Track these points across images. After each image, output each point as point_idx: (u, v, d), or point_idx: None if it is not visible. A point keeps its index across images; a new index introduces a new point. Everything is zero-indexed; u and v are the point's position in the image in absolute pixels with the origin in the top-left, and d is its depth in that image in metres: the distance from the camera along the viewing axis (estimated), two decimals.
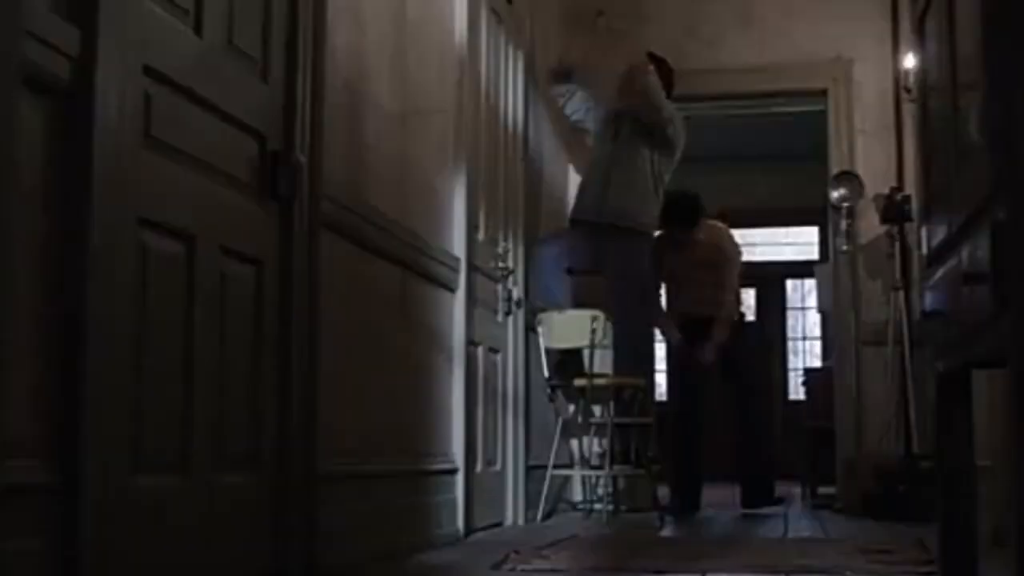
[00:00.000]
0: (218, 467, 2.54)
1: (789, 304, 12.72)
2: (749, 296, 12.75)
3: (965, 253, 2.04)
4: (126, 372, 2.18)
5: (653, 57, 6.18)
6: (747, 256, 12.43)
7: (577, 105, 6.47)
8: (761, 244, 12.74)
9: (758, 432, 6.28)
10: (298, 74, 3.00)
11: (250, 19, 2.79)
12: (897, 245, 6.33)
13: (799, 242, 12.54)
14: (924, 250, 2.53)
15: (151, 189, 2.30)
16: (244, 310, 2.72)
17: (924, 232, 2.55)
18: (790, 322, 12.60)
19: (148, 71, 2.29)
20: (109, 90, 2.10)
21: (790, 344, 12.61)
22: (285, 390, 2.87)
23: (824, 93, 6.86)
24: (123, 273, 2.17)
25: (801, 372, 10.68)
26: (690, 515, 5.97)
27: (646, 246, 5.97)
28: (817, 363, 11.59)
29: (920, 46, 2.72)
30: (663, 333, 6.31)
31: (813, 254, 11.91)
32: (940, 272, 2.35)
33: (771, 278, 12.49)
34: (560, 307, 5.71)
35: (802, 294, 12.68)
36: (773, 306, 12.53)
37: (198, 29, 2.54)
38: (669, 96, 6.13)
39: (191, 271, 2.46)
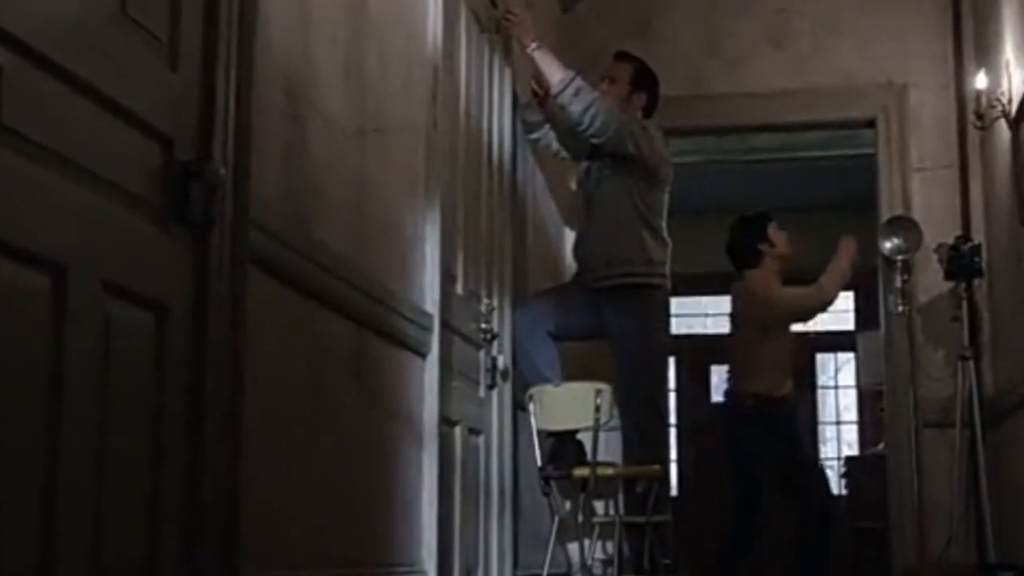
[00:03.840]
0: None
1: (820, 382, 12.53)
2: None
3: None
4: None
5: (626, 57, 5.69)
6: None
7: (549, 140, 5.97)
8: None
9: (821, 522, 5.94)
10: (219, 62, 2.66)
11: None
12: (965, 305, 6.20)
13: (830, 309, 12.41)
14: None
15: (1, 197, 1.94)
16: (138, 369, 2.36)
17: None
18: (819, 404, 12.40)
19: (1, 36, 1.94)
20: None
21: (820, 429, 12.41)
22: (196, 477, 2.52)
23: (872, 124, 6.77)
24: None
25: (837, 461, 10.63)
26: None
27: (650, 301, 5.50)
28: (852, 451, 11.57)
29: None
30: None
31: (848, 323, 11.76)
32: None
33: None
34: (549, 381, 5.39)
35: (834, 370, 12.53)
36: (801, 384, 12.35)
37: None
38: (650, 114, 5.66)
39: (59, 314, 2.10)
